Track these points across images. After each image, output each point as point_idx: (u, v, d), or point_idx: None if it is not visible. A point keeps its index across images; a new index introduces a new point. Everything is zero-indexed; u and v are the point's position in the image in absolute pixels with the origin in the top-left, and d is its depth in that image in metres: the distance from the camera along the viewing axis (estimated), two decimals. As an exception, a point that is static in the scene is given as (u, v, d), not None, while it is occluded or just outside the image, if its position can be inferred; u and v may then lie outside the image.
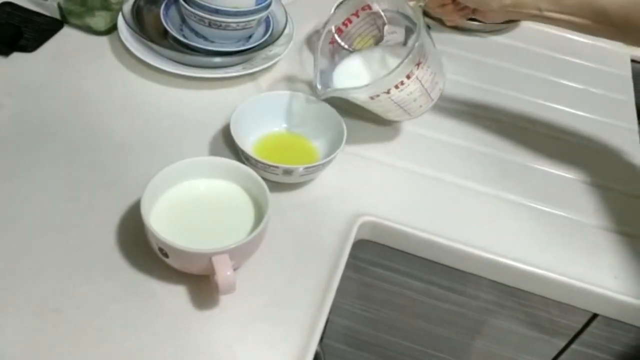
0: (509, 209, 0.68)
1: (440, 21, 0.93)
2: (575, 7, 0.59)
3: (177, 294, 0.53)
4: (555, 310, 0.71)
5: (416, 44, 0.58)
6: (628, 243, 0.66)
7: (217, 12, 0.71)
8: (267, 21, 0.81)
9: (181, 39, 0.75)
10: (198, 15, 0.72)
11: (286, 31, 0.80)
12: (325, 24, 0.67)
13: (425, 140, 0.74)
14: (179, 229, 0.53)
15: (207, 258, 0.49)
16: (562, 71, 0.92)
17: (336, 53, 0.69)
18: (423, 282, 0.74)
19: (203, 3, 0.70)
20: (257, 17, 0.74)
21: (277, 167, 0.60)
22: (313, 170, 0.63)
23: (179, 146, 0.66)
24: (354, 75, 0.68)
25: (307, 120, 0.69)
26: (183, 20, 0.78)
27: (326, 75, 0.68)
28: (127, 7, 0.78)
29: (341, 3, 0.69)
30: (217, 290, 0.49)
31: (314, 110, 0.68)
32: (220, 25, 0.73)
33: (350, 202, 0.64)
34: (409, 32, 0.67)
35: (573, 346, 0.75)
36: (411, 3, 0.61)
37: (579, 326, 0.72)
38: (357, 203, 0.64)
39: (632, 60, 0.99)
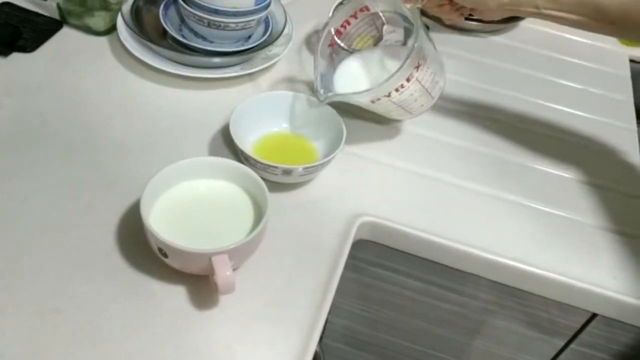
0: (508, 209, 0.68)
1: (438, 20, 0.93)
2: (573, 4, 0.58)
3: (177, 294, 0.53)
4: (555, 310, 0.71)
5: (414, 48, 0.58)
6: (627, 243, 0.66)
7: (216, 12, 0.71)
8: (267, 21, 0.81)
9: (180, 39, 0.75)
10: (197, 16, 0.72)
11: (285, 31, 0.80)
12: (324, 26, 0.67)
13: (424, 140, 0.75)
14: (179, 229, 0.53)
15: (207, 258, 0.49)
16: (561, 71, 0.92)
17: (335, 55, 0.69)
18: (422, 282, 0.74)
19: (202, 3, 0.70)
20: (256, 17, 0.74)
21: (276, 167, 0.60)
22: (312, 170, 0.63)
23: (178, 146, 0.66)
24: (353, 77, 0.68)
25: (307, 121, 0.69)
26: (182, 21, 0.78)
27: (326, 78, 0.68)
28: (126, 7, 0.78)
29: (339, 5, 0.69)
30: (217, 290, 0.49)
31: (313, 111, 0.68)
32: (220, 26, 0.73)
33: (350, 202, 0.64)
34: (407, 32, 0.68)
35: (572, 346, 0.75)
36: (408, 5, 0.61)
37: (578, 326, 0.72)
38: (356, 203, 0.64)
39: (631, 60, 0.99)
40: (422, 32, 0.60)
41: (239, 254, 0.52)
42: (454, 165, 0.71)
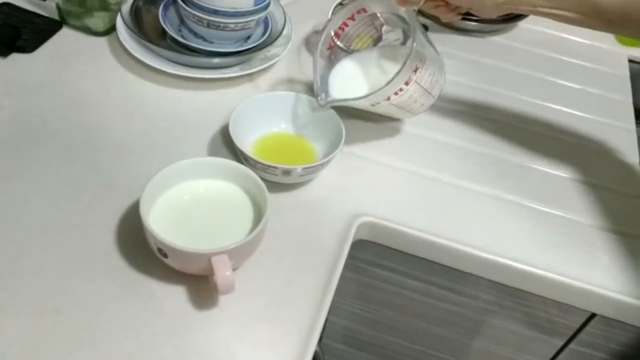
0: (507, 209, 0.68)
1: (437, 19, 0.94)
2: (570, 2, 0.58)
3: (177, 294, 0.53)
4: (554, 310, 0.71)
5: (411, 53, 0.58)
6: (626, 243, 0.66)
7: (215, 12, 0.71)
8: (266, 22, 0.81)
9: (180, 39, 0.75)
10: (196, 16, 0.72)
11: (285, 32, 0.80)
12: (322, 30, 0.67)
13: (423, 140, 0.75)
14: (178, 229, 0.53)
15: (206, 258, 0.49)
16: (559, 71, 0.92)
17: (335, 57, 0.69)
18: (422, 282, 0.74)
19: (201, 4, 0.71)
20: (255, 17, 0.74)
21: (276, 167, 0.60)
22: (312, 170, 0.63)
23: (178, 147, 0.66)
24: (348, 79, 0.67)
25: (306, 121, 0.69)
26: (182, 21, 0.78)
27: (325, 81, 0.68)
28: (126, 7, 0.78)
29: (338, 5, 0.69)
30: (216, 290, 0.49)
31: (312, 111, 0.68)
32: (219, 26, 0.73)
33: (349, 202, 0.64)
34: (406, 33, 0.68)
35: (571, 345, 0.75)
36: (403, 8, 0.61)
37: (577, 326, 0.72)
38: (355, 203, 0.64)
39: (630, 61, 1.00)
40: (419, 33, 0.60)
41: (238, 254, 0.52)
42: (453, 166, 0.71)
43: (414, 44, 0.58)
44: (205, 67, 0.74)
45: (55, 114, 0.67)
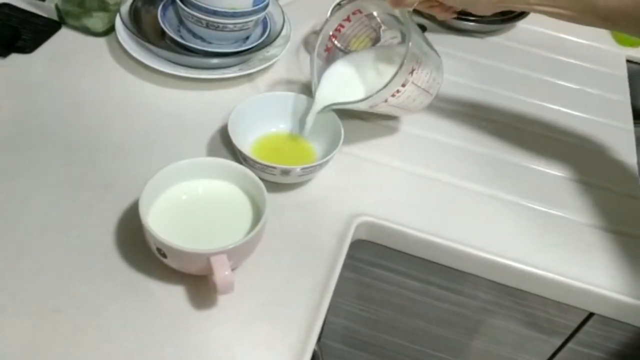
0: (506, 208, 0.68)
1: (433, 18, 0.94)
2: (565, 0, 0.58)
3: (176, 294, 0.53)
4: (552, 310, 0.71)
5: (406, 55, 0.58)
6: (624, 242, 0.66)
7: (214, 13, 0.71)
8: (265, 22, 0.81)
9: (179, 40, 0.75)
10: (195, 17, 0.72)
11: (283, 32, 0.80)
12: (320, 31, 0.67)
13: (422, 140, 0.75)
14: (177, 229, 0.53)
15: (205, 258, 0.49)
16: (558, 71, 0.92)
17: (332, 57, 0.69)
18: (421, 282, 0.74)
19: (200, 4, 0.71)
20: (254, 18, 0.74)
21: (274, 167, 0.60)
22: (310, 170, 0.63)
23: (177, 147, 0.66)
24: (343, 79, 0.67)
25: (305, 121, 0.69)
26: (180, 22, 0.78)
27: None
28: (125, 8, 0.78)
29: (336, 6, 0.69)
30: (215, 290, 0.49)
31: (311, 112, 0.68)
32: (218, 27, 0.73)
33: (348, 202, 0.64)
34: (403, 33, 0.68)
35: (569, 345, 0.75)
36: (397, 10, 0.61)
37: (575, 325, 0.72)
38: (354, 203, 0.64)
39: (628, 61, 1.00)
40: (414, 34, 0.60)
41: (237, 254, 0.52)
42: (451, 166, 0.72)
43: (409, 47, 0.58)
44: (204, 68, 0.74)
45: (55, 114, 0.67)
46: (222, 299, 0.53)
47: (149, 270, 0.54)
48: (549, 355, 0.79)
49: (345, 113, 0.70)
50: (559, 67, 0.94)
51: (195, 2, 0.71)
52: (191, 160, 0.57)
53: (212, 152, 0.67)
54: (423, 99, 0.67)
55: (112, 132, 0.67)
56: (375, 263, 0.74)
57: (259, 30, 0.81)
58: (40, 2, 0.80)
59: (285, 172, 0.61)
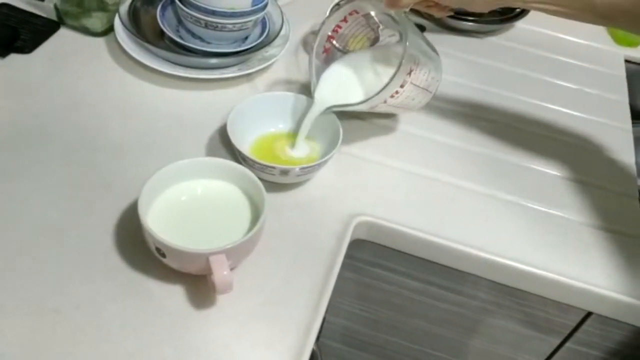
0: (505, 208, 0.68)
1: (432, 17, 0.95)
2: None
3: (175, 294, 0.53)
4: (551, 309, 0.71)
5: (403, 57, 0.58)
6: (622, 242, 0.66)
7: (213, 13, 0.71)
8: (263, 22, 0.81)
9: (177, 40, 0.75)
10: (194, 17, 0.72)
11: (282, 32, 0.81)
12: (317, 32, 0.67)
13: (421, 140, 0.75)
14: (176, 229, 0.53)
15: (204, 258, 0.49)
16: (557, 71, 0.92)
17: (330, 57, 0.69)
18: (420, 282, 0.74)
19: (199, 4, 0.71)
20: (253, 18, 0.74)
21: (273, 167, 0.60)
22: (309, 170, 0.63)
23: (176, 147, 0.67)
24: (340, 80, 0.67)
25: (304, 121, 0.69)
26: (179, 22, 0.78)
27: None
28: (124, 8, 0.78)
29: (335, 6, 0.69)
30: (214, 289, 0.49)
31: (311, 113, 0.68)
32: (217, 27, 0.73)
33: (347, 202, 0.64)
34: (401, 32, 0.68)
35: (567, 344, 0.76)
36: (392, 11, 0.61)
37: (574, 324, 0.72)
38: (353, 203, 0.64)
39: (626, 61, 1.00)
40: (410, 35, 0.60)
41: (236, 254, 0.52)
42: (450, 165, 0.72)
43: (405, 48, 0.58)
44: (203, 68, 0.74)
45: (54, 115, 0.67)
46: (221, 299, 0.53)
47: (148, 270, 0.54)
48: (547, 354, 0.79)
49: (343, 113, 0.70)
50: (558, 67, 0.94)
51: (194, 2, 0.71)
52: (190, 160, 0.57)
53: (211, 152, 0.67)
54: (422, 98, 0.67)
55: (111, 132, 0.67)
56: (374, 263, 0.74)
57: (257, 30, 0.81)
58: (39, 2, 0.80)
59: (284, 172, 0.61)
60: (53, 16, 0.79)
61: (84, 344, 0.48)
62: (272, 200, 0.56)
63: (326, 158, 0.62)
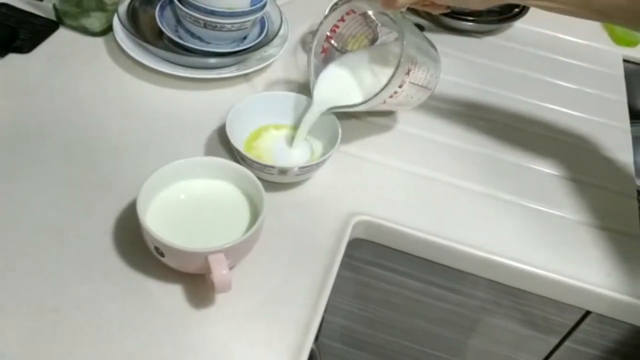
0: (504, 208, 0.68)
1: (431, 17, 0.95)
2: None
3: (174, 293, 0.53)
4: (549, 308, 0.71)
5: (401, 59, 0.58)
6: (620, 241, 0.66)
7: (212, 13, 0.71)
8: (262, 22, 0.81)
9: (176, 39, 0.75)
10: (193, 16, 0.72)
11: (281, 32, 0.81)
12: (315, 32, 0.67)
13: (420, 140, 0.75)
14: (175, 228, 0.53)
15: (203, 257, 0.49)
16: (555, 71, 0.93)
17: (329, 57, 0.69)
18: (419, 281, 0.74)
19: (198, 4, 0.71)
20: (252, 18, 0.75)
21: (272, 167, 0.60)
22: (308, 170, 0.63)
23: (174, 146, 0.67)
24: (338, 81, 0.67)
25: (303, 121, 0.69)
26: (178, 21, 0.78)
27: None
28: (123, 8, 0.78)
29: (334, 5, 0.69)
30: (213, 289, 0.49)
31: (310, 114, 0.68)
32: (216, 26, 0.73)
33: (345, 201, 0.65)
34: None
35: (566, 343, 0.76)
36: (389, 11, 0.62)
37: (572, 323, 0.72)
38: (352, 202, 0.64)
39: (625, 60, 1.00)
40: (408, 34, 0.60)
41: (235, 253, 0.52)
42: (449, 165, 0.72)
43: (403, 49, 0.58)
44: (202, 67, 0.74)
45: (52, 115, 0.67)
46: (220, 298, 0.53)
47: (147, 269, 0.54)
48: (546, 353, 0.79)
49: (342, 112, 0.70)
50: (557, 66, 0.94)
51: (193, 2, 0.71)
52: (189, 160, 0.57)
53: (209, 151, 0.67)
54: (422, 95, 0.67)
55: (110, 132, 0.67)
56: (373, 262, 0.74)
57: (256, 30, 0.81)
58: (38, 2, 0.80)
59: (283, 172, 0.61)
60: (52, 16, 0.79)
61: (84, 344, 0.48)
62: (271, 200, 0.57)
63: (325, 157, 0.63)
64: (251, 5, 0.73)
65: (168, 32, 0.75)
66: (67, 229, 0.56)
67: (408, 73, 0.61)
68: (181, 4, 0.72)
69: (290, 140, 0.68)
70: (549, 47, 0.98)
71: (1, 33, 0.74)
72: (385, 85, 0.59)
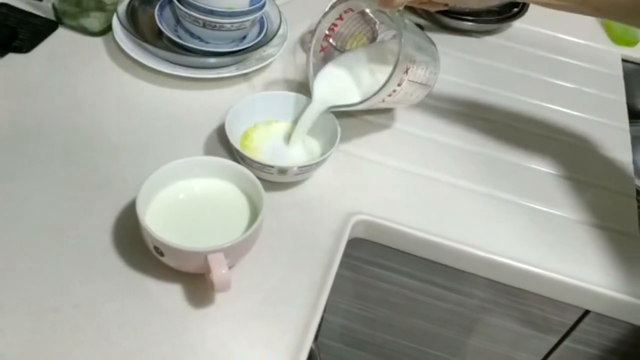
0: (503, 207, 0.68)
1: (430, 16, 0.95)
2: None
3: (173, 293, 0.53)
4: (548, 307, 0.72)
5: (399, 59, 0.58)
6: (619, 240, 0.66)
7: (211, 12, 0.71)
8: (261, 22, 0.81)
9: (176, 39, 0.75)
10: (192, 16, 0.72)
11: (280, 32, 0.81)
12: (314, 31, 0.67)
13: (419, 139, 0.75)
14: (175, 228, 0.53)
15: (203, 256, 0.49)
16: (555, 71, 0.93)
17: (328, 57, 0.70)
18: (418, 281, 0.74)
19: (197, 4, 0.71)
20: (251, 17, 0.75)
21: (272, 166, 0.60)
22: (307, 169, 0.63)
23: (174, 146, 0.67)
24: (336, 81, 0.67)
25: (302, 120, 0.69)
26: (177, 21, 0.78)
27: None
28: (122, 8, 0.78)
29: (334, 4, 0.69)
30: (213, 288, 0.50)
31: (309, 113, 0.68)
32: (215, 26, 0.73)
33: (345, 200, 0.65)
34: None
35: (565, 343, 0.76)
36: (387, 10, 0.62)
37: (571, 323, 0.73)
38: (351, 202, 0.65)
39: (623, 60, 1.00)
40: (406, 33, 0.60)
41: (234, 252, 0.52)
42: (448, 164, 0.72)
43: (401, 48, 0.58)
44: (201, 67, 0.75)
45: (52, 114, 0.67)
46: (219, 297, 0.53)
47: (147, 269, 0.54)
48: (545, 352, 0.79)
49: (342, 112, 0.70)
50: (556, 66, 0.94)
51: (193, 1, 0.71)
52: (188, 159, 0.57)
53: (209, 151, 0.67)
54: (420, 93, 0.67)
55: (110, 131, 0.67)
56: (372, 262, 0.74)
57: (255, 29, 0.81)
58: (38, 2, 0.80)
59: (283, 171, 0.61)
60: (51, 16, 0.79)
61: (84, 343, 0.48)
62: (270, 199, 0.57)
63: (324, 157, 0.63)
64: (250, 5, 0.73)
65: (167, 32, 0.75)
66: (67, 229, 0.56)
67: (407, 71, 0.61)
68: (180, 3, 0.72)
69: (289, 140, 0.68)
70: (548, 47, 0.98)
71: (1, 33, 0.74)
72: (384, 85, 0.59)
